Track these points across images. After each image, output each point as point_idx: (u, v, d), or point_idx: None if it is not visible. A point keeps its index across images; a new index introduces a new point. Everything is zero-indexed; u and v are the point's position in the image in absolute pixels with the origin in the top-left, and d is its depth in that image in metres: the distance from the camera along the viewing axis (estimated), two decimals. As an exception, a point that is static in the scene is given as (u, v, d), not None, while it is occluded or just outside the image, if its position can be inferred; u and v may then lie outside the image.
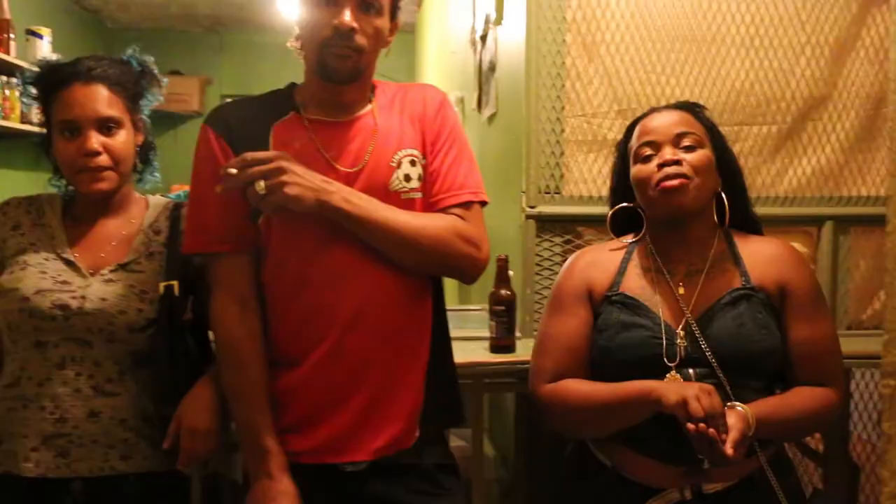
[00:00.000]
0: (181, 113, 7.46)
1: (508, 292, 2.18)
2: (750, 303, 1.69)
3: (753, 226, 1.84)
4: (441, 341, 1.73)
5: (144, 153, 1.89)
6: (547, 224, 2.39)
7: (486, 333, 2.24)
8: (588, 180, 2.40)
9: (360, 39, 1.60)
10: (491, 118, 2.99)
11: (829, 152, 2.46)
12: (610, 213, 1.86)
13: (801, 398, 1.67)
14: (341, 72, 1.62)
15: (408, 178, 1.68)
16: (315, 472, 1.63)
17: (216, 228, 1.65)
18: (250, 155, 1.56)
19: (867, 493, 2.89)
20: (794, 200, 2.43)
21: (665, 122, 1.75)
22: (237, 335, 1.66)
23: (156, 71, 1.89)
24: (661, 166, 1.69)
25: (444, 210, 1.68)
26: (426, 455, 1.69)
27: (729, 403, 1.57)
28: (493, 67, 2.95)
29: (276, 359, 1.67)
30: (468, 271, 1.71)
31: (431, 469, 1.70)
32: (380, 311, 1.64)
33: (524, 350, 2.20)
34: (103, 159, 1.74)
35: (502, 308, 2.17)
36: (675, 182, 1.67)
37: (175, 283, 1.77)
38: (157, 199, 1.91)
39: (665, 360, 1.64)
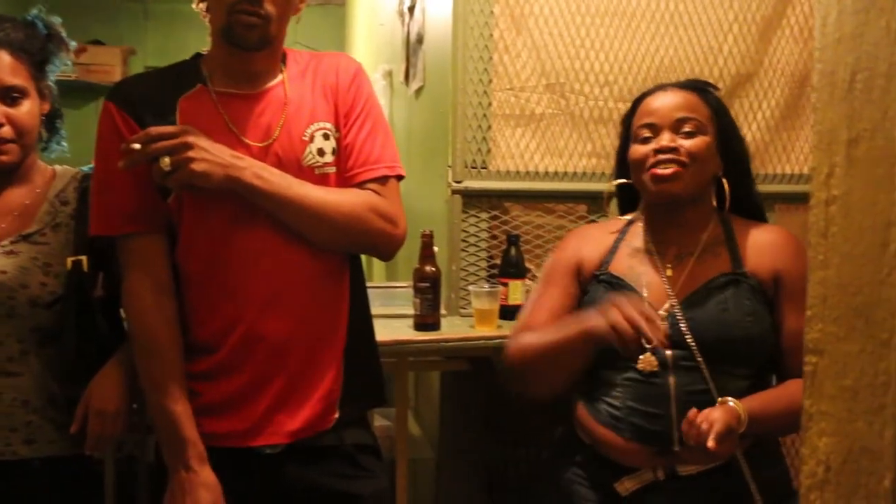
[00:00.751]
0: (103, 84, 7.21)
1: (433, 269, 2.14)
2: (738, 288, 1.65)
3: (756, 211, 1.81)
4: (360, 321, 1.69)
5: (51, 122, 1.79)
6: (473, 199, 2.35)
7: (412, 311, 2.19)
8: (515, 155, 2.37)
9: (269, 6, 1.53)
10: (418, 91, 2.93)
11: (756, 130, 2.47)
12: (609, 188, 1.86)
13: (794, 392, 1.60)
14: (249, 39, 1.55)
15: (321, 152, 1.62)
16: (231, 455, 1.58)
17: (125, 208, 1.57)
18: (154, 129, 1.48)
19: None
20: (719, 178, 2.43)
21: (667, 105, 1.71)
22: (153, 321, 1.58)
23: (63, 34, 1.79)
24: (656, 152, 1.66)
25: (359, 185, 1.63)
26: (346, 437, 1.65)
27: (721, 399, 1.55)
28: (420, 39, 2.89)
29: (191, 343, 1.61)
30: (384, 248, 1.67)
31: (351, 451, 1.66)
32: (296, 291, 1.59)
33: (449, 328, 2.18)
34: (6, 131, 1.65)
35: (427, 285, 2.13)
36: (668, 171, 1.64)
37: (84, 258, 1.69)
38: (64, 170, 1.81)
39: (643, 341, 1.57)
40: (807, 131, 2.48)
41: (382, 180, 1.65)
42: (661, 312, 1.62)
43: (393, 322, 2.15)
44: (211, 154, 1.51)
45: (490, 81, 2.34)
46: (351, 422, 1.66)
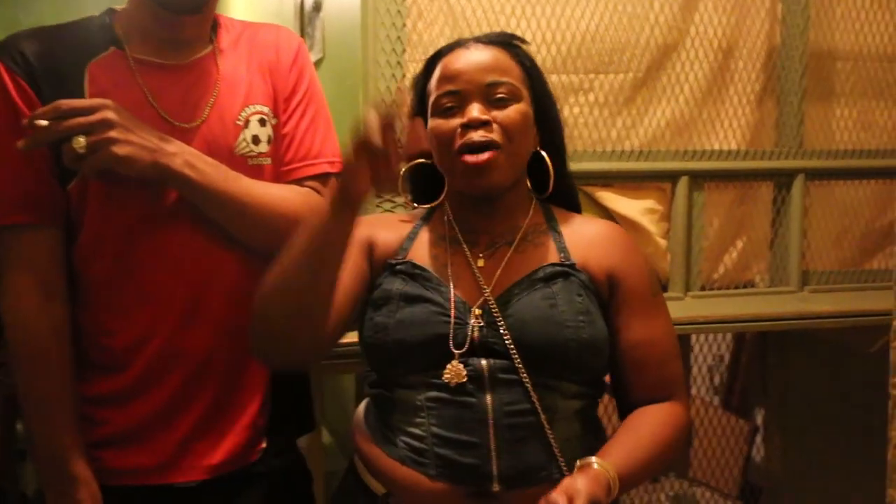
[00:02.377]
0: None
1: (350, 262, 1.90)
2: (567, 282, 1.37)
3: (570, 197, 1.54)
4: None
5: None
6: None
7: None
8: (433, 133, 2.15)
9: None
10: (317, 64, 2.67)
11: (683, 103, 2.33)
12: (402, 170, 1.43)
13: (652, 430, 1.37)
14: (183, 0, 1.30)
15: (256, 140, 1.39)
16: (136, 494, 1.33)
17: (11, 193, 1.31)
18: (66, 103, 1.24)
19: (696, 450, 2.89)
20: (648, 154, 2.28)
21: (473, 66, 1.39)
22: (38, 330, 1.33)
23: None
24: (465, 127, 1.36)
25: (297, 181, 1.43)
26: (274, 465, 1.43)
27: (581, 461, 1.26)
28: (318, 7, 2.63)
29: (92, 359, 1.35)
30: None
31: (280, 477, 1.44)
32: (222, 300, 1.36)
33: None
34: None
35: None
36: (482, 157, 1.34)
37: None
38: None
39: (451, 345, 1.31)
40: (732, 105, 2.35)
41: (323, 178, 1.45)
42: (475, 310, 1.34)
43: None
44: (136, 136, 1.27)
45: (403, 51, 2.11)
46: (280, 451, 1.44)
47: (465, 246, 1.42)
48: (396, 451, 1.34)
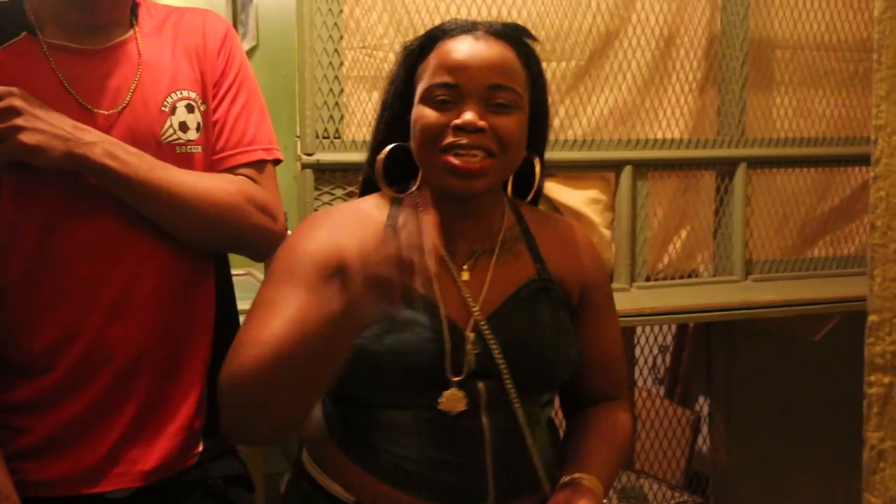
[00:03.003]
0: None
1: (288, 256, 1.83)
2: (549, 300, 1.34)
3: (535, 196, 1.46)
4: (227, 331, 1.40)
5: None
6: (326, 174, 2.06)
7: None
8: (372, 122, 2.07)
9: None
10: (251, 52, 2.59)
11: (626, 91, 2.30)
12: (379, 156, 1.34)
13: (616, 437, 1.38)
14: None
15: (184, 127, 1.32)
16: None
17: None
18: None
19: (643, 441, 2.88)
20: (591, 144, 2.25)
21: (479, 62, 1.26)
22: None
23: None
24: (456, 129, 1.23)
25: (230, 170, 1.36)
26: (213, 469, 1.36)
27: (568, 478, 1.26)
28: (250, -7, 2.55)
29: (10, 362, 1.27)
30: (260, 246, 1.41)
31: (220, 485, 1.37)
32: (151, 296, 1.29)
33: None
34: None
35: (282, 276, 1.82)
36: (473, 164, 1.23)
37: None
38: None
39: (448, 372, 1.23)
40: (675, 93, 2.33)
41: (259, 165, 1.38)
42: (468, 335, 1.26)
43: (242, 319, 1.83)
44: (47, 123, 1.18)
45: (341, 38, 2.04)
46: (218, 454, 1.37)
47: (445, 256, 1.30)
48: (382, 473, 1.26)
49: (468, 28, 1.31)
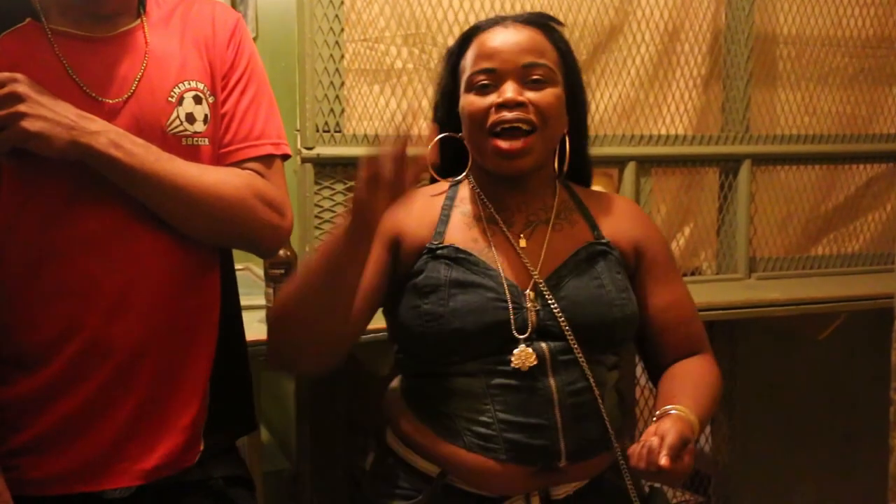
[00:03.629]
0: None
1: (287, 252, 1.81)
2: (607, 261, 1.43)
3: (586, 178, 1.57)
4: (231, 329, 1.40)
5: None
6: (327, 168, 2.03)
7: (256, 301, 1.88)
8: (373, 116, 2.07)
9: None
10: (250, 45, 2.56)
11: (629, 86, 2.28)
12: (431, 143, 1.37)
13: (705, 376, 1.45)
14: None
15: (191, 118, 1.29)
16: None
17: None
18: None
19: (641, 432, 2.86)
20: (594, 139, 2.22)
21: (511, 45, 1.38)
22: None
23: None
24: (499, 107, 1.35)
25: (238, 164, 1.33)
26: (214, 470, 1.33)
27: (660, 411, 1.31)
28: (250, -16, 2.52)
29: (7, 357, 1.24)
30: (268, 243, 1.39)
31: (220, 485, 1.34)
32: (154, 290, 1.26)
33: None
34: None
35: (280, 271, 1.80)
36: (516, 145, 1.34)
37: None
38: None
39: (513, 330, 1.32)
40: (679, 89, 2.31)
41: (267, 160, 1.35)
42: (528, 294, 1.36)
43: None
44: (51, 111, 1.16)
45: (342, 31, 2.02)
46: (219, 452, 1.34)
47: (503, 226, 1.42)
48: (461, 439, 1.35)
49: (498, 21, 1.45)
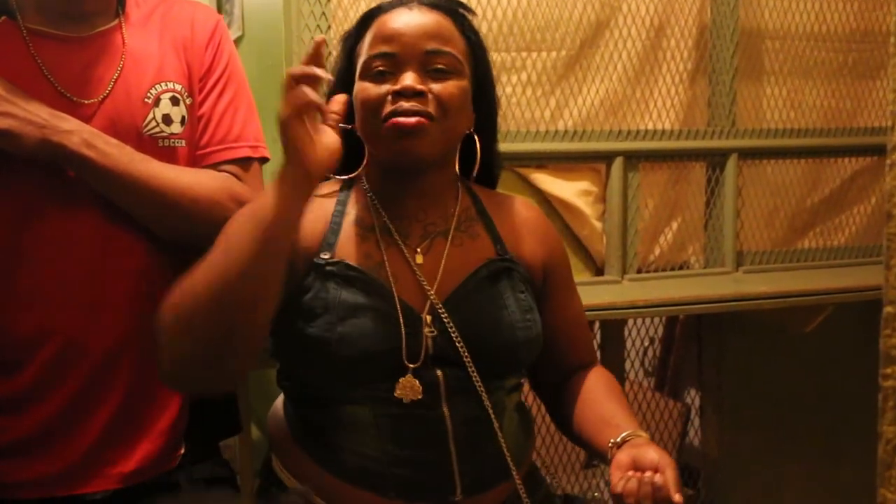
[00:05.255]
0: None
1: (276, 250, 1.80)
2: (510, 279, 1.33)
3: (493, 178, 1.48)
4: None
5: None
6: (314, 166, 2.02)
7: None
8: (361, 114, 2.06)
9: None
10: (236, 42, 2.55)
11: (616, 81, 2.28)
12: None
13: (619, 391, 1.43)
14: None
15: (167, 119, 1.29)
16: None
17: None
18: None
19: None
20: (581, 135, 2.23)
21: (414, 29, 1.26)
22: None
23: None
24: (396, 96, 1.23)
25: (214, 166, 1.33)
26: (195, 472, 1.33)
27: (621, 438, 1.23)
28: (236, -18, 2.51)
29: None
30: None
31: (201, 486, 1.34)
32: (131, 291, 1.26)
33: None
34: None
35: (270, 269, 1.79)
36: (411, 121, 1.22)
37: None
38: None
39: (404, 358, 1.21)
40: (665, 84, 2.32)
41: (244, 163, 1.35)
42: (425, 317, 1.25)
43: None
44: (22, 109, 1.16)
45: (329, 28, 2.01)
46: (201, 456, 1.33)
47: (398, 238, 1.30)
48: (345, 473, 1.24)
49: (403, 2, 1.32)
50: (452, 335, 1.24)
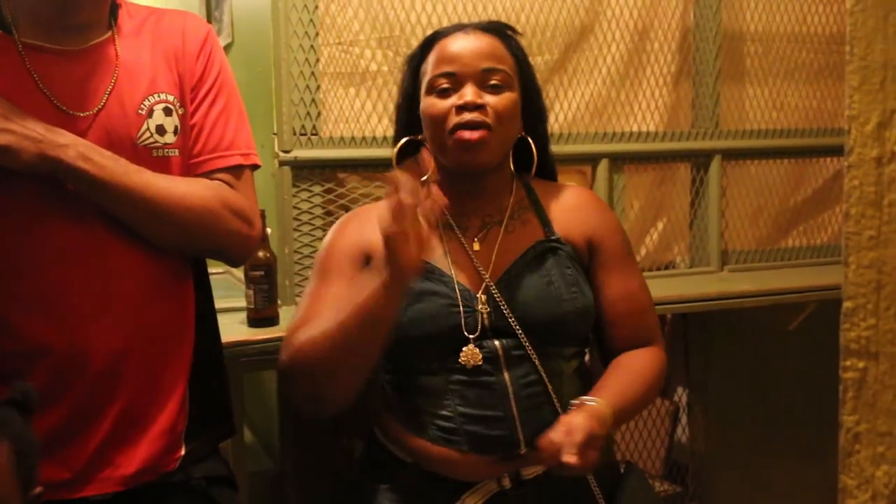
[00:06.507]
0: None
1: (267, 254, 1.85)
2: (556, 257, 1.48)
3: (551, 174, 1.62)
4: (208, 334, 1.39)
5: None
6: (304, 171, 2.06)
7: (237, 303, 1.92)
8: (349, 119, 2.10)
9: None
10: (226, 49, 2.57)
11: (601, 85, 2.32)
12: (395, 148, 1.53)
13: (642, 368, 1.49)
14: None
15: (161, 130, 1.30)
16: None
17: None
18: None
19: (622, 431, 2.90)
20: (567, 137, 2.27)
21: (471, 51, 1.45)
22: None
23: None
24: (459, 109, 1.41)
25: (207, 174, 1.34)
26: (195, 471, 1.35)
27: (576, 401, 1.37)
28: (224, -10, 2.53)
29: None
30: (237, 252, 1.41)
31: (202, 485, 1.36)
32: (128, 300, 1.27)
33: (288, 320, 1.88)
34: None
35: (260, 273, 1.84)
36: (474, 135, 1.40)
37: None
38: None
39: (464, 331, 1.40)
40: (650, 86, 2.35)
41: (236, 170, 1.37)
42: (480, 297, 1.42)
43: (222, 318, 1.82)
44: (19, 125, 1.16)
45: (317, 34, 2.04)
46: (200, 457, 1.36)
47: (457, 231, 1.49)
48: (427, 432, 1.43)
49: (459, 28, 1.51)
50: (504, 310, 1.41)
